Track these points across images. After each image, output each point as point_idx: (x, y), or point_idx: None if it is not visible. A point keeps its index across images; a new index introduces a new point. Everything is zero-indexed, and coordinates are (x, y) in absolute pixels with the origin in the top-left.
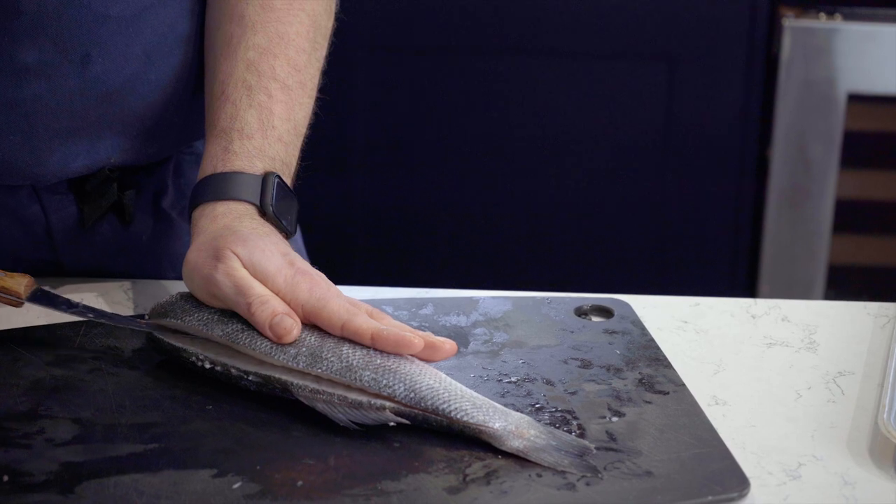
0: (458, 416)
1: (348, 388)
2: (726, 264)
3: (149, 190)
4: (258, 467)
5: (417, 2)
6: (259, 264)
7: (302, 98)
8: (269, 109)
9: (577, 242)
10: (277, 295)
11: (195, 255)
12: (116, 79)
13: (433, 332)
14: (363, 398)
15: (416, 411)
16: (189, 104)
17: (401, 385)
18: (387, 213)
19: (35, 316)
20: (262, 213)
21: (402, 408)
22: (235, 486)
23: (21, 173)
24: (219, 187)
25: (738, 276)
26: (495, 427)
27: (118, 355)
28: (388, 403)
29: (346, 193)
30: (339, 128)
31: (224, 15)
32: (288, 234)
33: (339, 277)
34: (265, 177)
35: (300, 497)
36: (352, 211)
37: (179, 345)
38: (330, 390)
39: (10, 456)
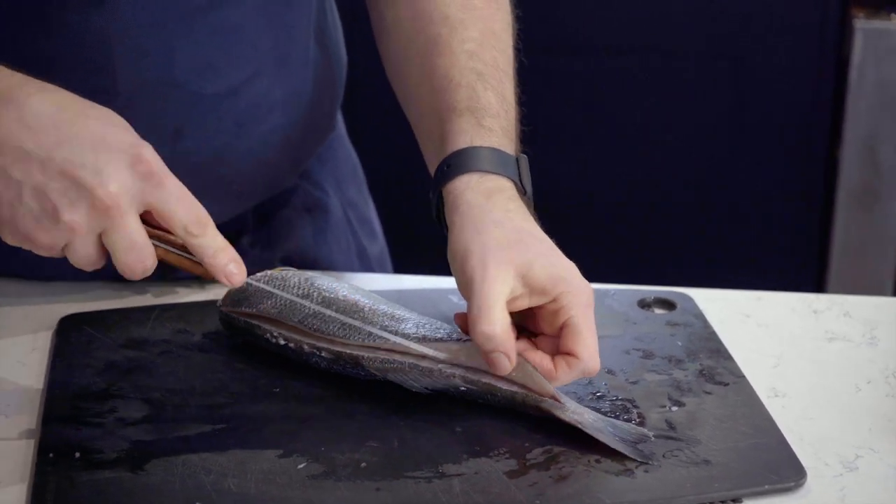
0: (525, 383)
1: (420, 357)
2: (795, 265)
3: (230, 231)
4: (323, 448)
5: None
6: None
7: (515, 89)
8: (502, 94)
9: (645, 236)
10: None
11: (493, 241)
12: (206, 151)
13: None
14: (434, 366)
15: (483, 380)
16: (276, 164)
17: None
18: None
19: (108, 300)
20: (521, 191)
21: (471, 375)
22: (300, 466)
23: None
24: (483, 159)
25: (806, 278)
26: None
27: (189, 338)
28: (458, 371)
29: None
30: None
31: (421, 21)
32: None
33: (410, 266)
34: (518, 158)
35: (363, 478)
36: (422, 201)
37: (254, 322)
38: (401, 360)
39: (83, 434)
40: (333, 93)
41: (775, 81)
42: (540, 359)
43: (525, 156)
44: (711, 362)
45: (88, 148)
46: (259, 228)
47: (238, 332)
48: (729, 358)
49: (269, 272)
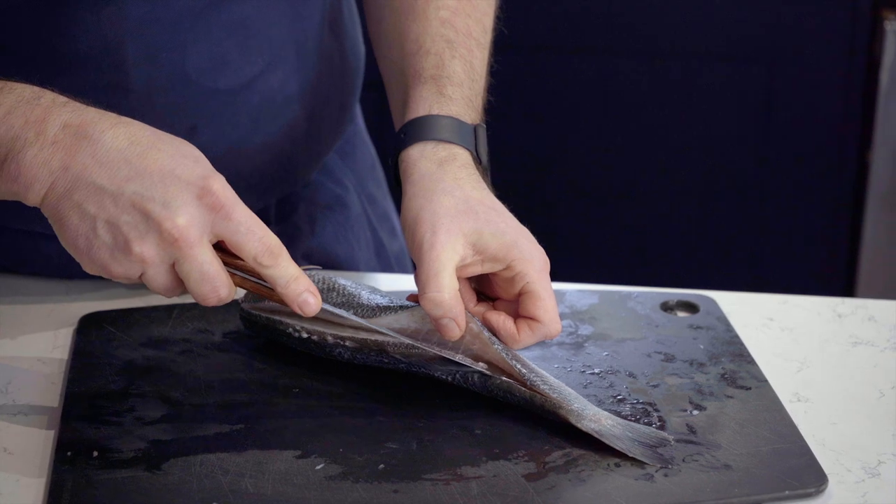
0: (542, 388)
1: (443, 346)
2: (824, 268)
3: None
4: (341, 450)
5: (528, 1)
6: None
7: (488, 58)
8: (471, 63)
9: (669, 238)
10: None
11: (445, 208)
12: (223, 146)
13: None
14: (457, 356)
15: (503, 376)
16: (294, 158)
17: (498, 346)
18: None
19: (129, 299)
20: (477, 161)
21: (493, 370)
22: (318, 467)
23: None
24: (439, 128)
25: (835, 282)
26: (573, 406)
27: (209, 338)
28: (480, 365)
29: None
30: None
31: None
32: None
33: None
34: (476, 127)
35: (381, 480)
36: None
37: (276, 318)
38: (426, 346)
39: (101, 433)
40: (351, 84)
41: (805, 84)
42: (503, 320)
43: (483, 126)
44: (734, 366)
45: (157, 181)
46: (280, 224)
47: (259, 330)
48: (752, 362)
49: None
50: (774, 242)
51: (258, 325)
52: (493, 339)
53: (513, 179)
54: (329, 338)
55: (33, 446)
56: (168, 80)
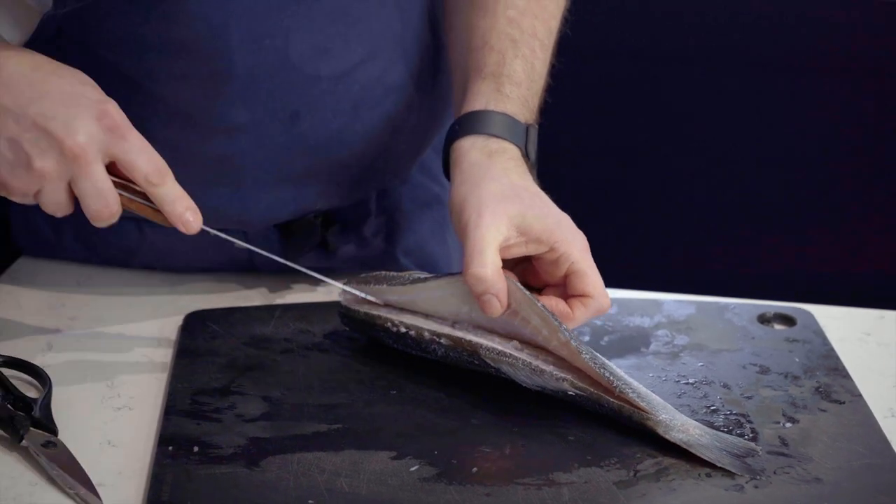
0: (630, 396)
1: (535, 356)
2: None
3: (352, 219)
4: (436, 452)
5: (610, 8)
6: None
7: (549, 60)
8: (532, 64)
9: (768, 251)
10: None
11: (491, 192)
12: (323, 133)
13: (616, 332)
14: (547, 367)
15: (591, 389)
16: (393, 148)
17: (587, 355)
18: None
19: (233, 293)
20: (526, 157)
21: (581, 383)
22: (413, 468)
23: (230, 220)
24: (493, 124)
25: None
26: (661, 417)
27: (310, 338)
28: (568, 376)
29: None
30: None
31: None
32: None
33: None
34: (529, 127)
35: (473, 483)
36: None
37: (374, 312)
38: (516, 354)
39: (202, 429)
40: (448, 79)
41: None
42: (555, 302)
43: (536, 126)
44: (828, 380)
45: (59, 103)
46: (379, 218)
47: (358, 326)
48: (847, 376)
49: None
50: (873, 257)
51: (357, 321)
52: (581, 347)
53: (610, 191)
54: (426, 334)
55: (136, 440)
56: (271, 66)
